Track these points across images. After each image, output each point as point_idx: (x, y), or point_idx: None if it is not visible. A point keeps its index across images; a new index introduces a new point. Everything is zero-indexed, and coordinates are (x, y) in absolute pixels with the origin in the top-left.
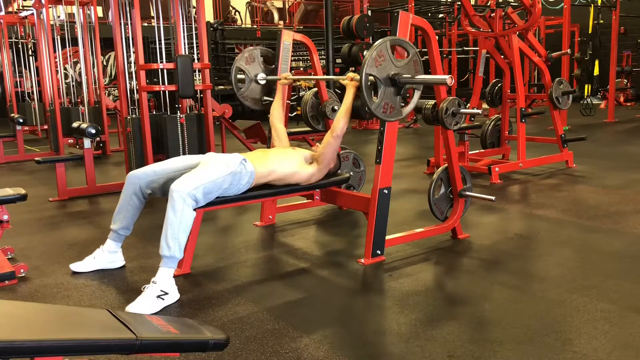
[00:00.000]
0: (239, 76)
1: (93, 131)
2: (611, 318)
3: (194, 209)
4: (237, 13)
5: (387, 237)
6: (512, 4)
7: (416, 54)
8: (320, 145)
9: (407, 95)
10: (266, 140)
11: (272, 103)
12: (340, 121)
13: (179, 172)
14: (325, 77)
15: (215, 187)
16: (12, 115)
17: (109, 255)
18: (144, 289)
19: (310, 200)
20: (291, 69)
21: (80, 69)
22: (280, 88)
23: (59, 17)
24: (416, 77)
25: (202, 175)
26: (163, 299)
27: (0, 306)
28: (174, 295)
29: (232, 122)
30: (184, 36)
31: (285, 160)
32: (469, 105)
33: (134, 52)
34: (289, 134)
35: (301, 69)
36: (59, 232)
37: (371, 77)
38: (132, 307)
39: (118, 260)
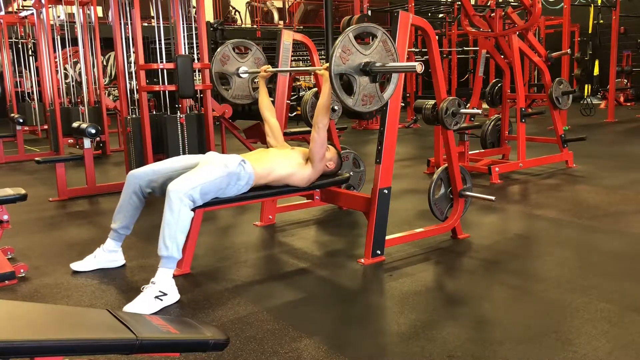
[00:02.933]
0: (221, 79)
1: (93, 131)
2: (611, 318)
3: (192, 209)
4: (237, 13)
5: (387, 237)
6: (512, 4)
7: (384, 34)
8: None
9: (385, 79)
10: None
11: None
12: (319, 115)
13: (179, 171)
14: (302, 68)
15: (213, 187)
16: (12, 115)
17: (109, 255)
18: (142, 289)
19: (310, 200)
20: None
21: (80, 69)
22: (262, 81)
23: (59, 17)
24: (387, 65)
25: (200, 176)
26: (162, 300)
27: (0, 306)
28: (173, 296)
29: (232, 122)
30: (184, 36)
31: (284, 161)
32: (469, 105)
33: (134, 52)
34: (289, 134)
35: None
36: (59, 232)
37: (343, 74)
38: (130, 307)
39: (118, 260)
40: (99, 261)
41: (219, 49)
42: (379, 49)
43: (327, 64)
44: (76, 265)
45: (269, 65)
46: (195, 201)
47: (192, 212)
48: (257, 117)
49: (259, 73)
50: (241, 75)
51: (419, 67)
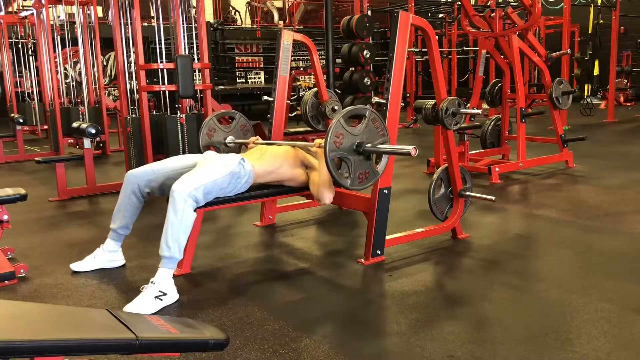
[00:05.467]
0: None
1: (93, 131)
2: (611, 318)
3: (194, 210)
4: (237, 13)
5: (387, 237)
6: (512, 4)
7: (371, 112)
8: (314, 182)
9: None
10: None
11: (270, 104)
12: (323, 193)
13: (177, 171)
14: (294, 142)
15: (215, 187)
16: (12, 115)
17: (109, 255)
18: (142, 289)
19: (310, 200)
20: (291, 69)
21: (80, 69)
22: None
23: (59, 17)
24: (379, 146)
25: (202, 176)
26: (161, 300)
27: (0, 306)
28: (173, 296)
29: None
30: (184, 36)
31: (284, 162)
32: (469, 105)
33: (134, 52)
34: (289, 134)
35: (301, 68)
36: (59, 232)
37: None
38: (130, 307)
39: (118, 260)
40: (99, 261)
41: (204, 122)
42: (369, 127)
43: (320, 141)
44: (76, 266)
45: (258, 137)
46: (198, 202)
47: (195, 213)
48: (257, 117)
49: (246, 143)
50: (229, 144)
51: (413, 151)
